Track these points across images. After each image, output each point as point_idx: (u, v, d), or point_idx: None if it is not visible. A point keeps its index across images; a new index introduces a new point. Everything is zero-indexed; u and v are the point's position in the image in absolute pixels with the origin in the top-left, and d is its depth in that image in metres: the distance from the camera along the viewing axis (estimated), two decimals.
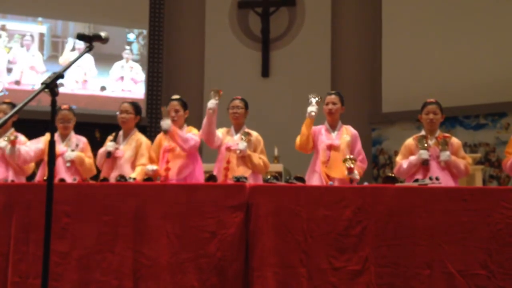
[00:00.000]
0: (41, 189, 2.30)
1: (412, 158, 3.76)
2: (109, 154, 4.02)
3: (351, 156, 3.63)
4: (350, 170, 3.55)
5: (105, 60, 8.10)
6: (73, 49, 8.03)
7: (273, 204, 2.77)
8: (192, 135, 4.02)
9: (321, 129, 4.01)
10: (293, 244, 2.72)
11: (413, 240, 2.66)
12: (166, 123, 3.85)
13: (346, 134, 3.96)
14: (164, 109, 3.94)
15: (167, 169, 3.91)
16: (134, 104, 4.20)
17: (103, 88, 8.00)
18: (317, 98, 3.91)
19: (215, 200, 2.81)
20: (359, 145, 3.98)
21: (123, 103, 4.20)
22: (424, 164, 3.70)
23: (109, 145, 4.05)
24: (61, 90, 8.27)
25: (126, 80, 8.19)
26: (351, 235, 2.70)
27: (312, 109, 3.86)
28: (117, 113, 4.15)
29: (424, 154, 3.69)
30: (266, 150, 4.15)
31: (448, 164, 3.68)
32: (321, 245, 2.70)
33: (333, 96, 4.01)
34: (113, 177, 3.85)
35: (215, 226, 2.77)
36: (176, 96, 4.19)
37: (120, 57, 8.19)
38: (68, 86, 7.83)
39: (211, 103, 3.87)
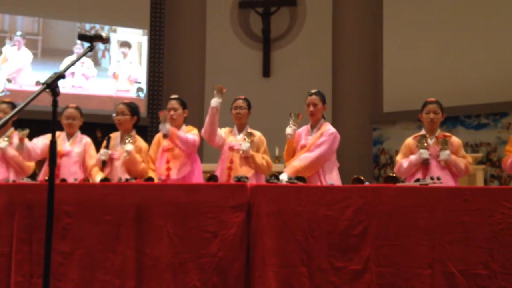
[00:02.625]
0: (43, 189, 2.30)
1: (412, 157, 3.76)
2: (104, 163, 4.00)
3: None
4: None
5: (54, 55, 8.00)
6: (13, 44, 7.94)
7: (274, 204, 2.77)
8: (191, 134, 4.03)
9: (303, 131, 3.98)
10: (294, 244, 2.72)
11: (414, 240, 2.66)
12: (165, 127, 3.87)
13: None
14: (163, 113, 3.95)
15: (168, 169, 3.91)
16: (130, 105, 4.15)
17: (43, 83, 7.91)
18: (293, 118, 3.85)
19: (216, 200, 2.81)
20: (323, 139, 3.81)
21: (118, 104, 4.16)
22: (424, 164, 3.70)
23: (101, 153, 4.02)
24: (11, 87, 8.21)
25: (77, 76, 8.12)
26: (352, 235, 2.69)
27: (289, 131, 3.81)
28: (113, 114, 4.11)
29: (424, 153, 3.69)
30: (268, 150, 4.15)
31: (448, 163, 3.68)
32: (322, 245, 2.70)
33: (313, 97, 3.93)
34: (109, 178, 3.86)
35: (216, 226, 2.77)
36: (175, 96, 4.20)
37: (69, 52, 8.07)
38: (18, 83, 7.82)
39: (215, 101, 3.86)
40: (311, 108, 3.91)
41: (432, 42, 7.60)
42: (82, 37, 2.37)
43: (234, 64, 8.43)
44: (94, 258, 2.86)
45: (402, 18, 7.97)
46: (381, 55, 8.16)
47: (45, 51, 7.99)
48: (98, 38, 2.37)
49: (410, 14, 7.90)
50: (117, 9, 8.32)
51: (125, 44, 8.46)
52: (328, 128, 3.86)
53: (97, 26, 8.34)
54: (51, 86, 2.13)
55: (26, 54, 7.95)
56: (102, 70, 8.34)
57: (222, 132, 4.09)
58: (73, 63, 2.37)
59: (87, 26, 8.29)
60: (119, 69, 8.41)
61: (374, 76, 8.25)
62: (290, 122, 3.84)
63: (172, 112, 4.03)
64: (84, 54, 2.38)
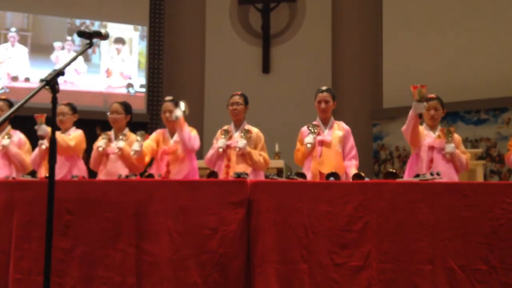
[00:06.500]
0: (43, 186, 2.30)
1: (410, 111, 3.65)
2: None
3: None
4: None
5: (44, 51, 7.95)
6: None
7: (274, 200, 2.77)
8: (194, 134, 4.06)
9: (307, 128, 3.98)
10: (294, 240, 2.72)
11: (414, 235, 2.66)
12: (181, 110, 3.86)
13: (338, 130, 3.94)
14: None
15: (168, 172, 3.92)
16: (124, 104, 4.23)
17: (43, 81, 7.93)
18: (312, 128, 3.88)
19: (217, 196, 2.82)
20: (351, 141, 3.94)
21: (113, 103, 4.24)
22: (419, 118, 3.63)
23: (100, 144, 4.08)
24: (10, 84, 8.10)
25: (69, 71, 8.04)
26: (352, 231, 2.69)
27: (309, 140, 3.81)
28: (108, 113, 4.17)
29: (418, 108, 3.54)
30: (267, 146, 4.15)
31: (453, 156, 3.68)
32: (322, 241, 2.70)
33: (325, 94, 3.93)
34: (104, 174, 3.95)
35: (216, 222, 2.77)
36: (169, 98, 4.20)
37: (57, 48, 8.03)
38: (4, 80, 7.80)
39: (222, 142, 3.93)
40: (323, 106, 3.91)
41: (432, 37, 7.60)
42: (81, 34, 2.36)
43: (233, 60, 8.42)
44: (94, 255, 2.86)
45: (402, 13, 7.96)
46: (381, 51, 8.15)
47: (35, 47, 7.95)
48: (97, 35, 2.36)
49: (410, 9, 7.90)
50: (116, 5, 8.30)
51: (119, 41, 8.43)
52: (348, 128, 3.97)
53: (87, 22, 8.25)
54: (51, 83, 2.12)
55: (21, 50, 7.94)
56: (92, 66, 8.28)
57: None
58: (72, 60, 2.36)
59: (77, 22, 8.22)
60: (112, 65, 8.38)
61: (374, 71, 8.24)
62: (310, 133, 3.85)
63: (167, 115, 4.05)
64: (83, 51, 2.37)
